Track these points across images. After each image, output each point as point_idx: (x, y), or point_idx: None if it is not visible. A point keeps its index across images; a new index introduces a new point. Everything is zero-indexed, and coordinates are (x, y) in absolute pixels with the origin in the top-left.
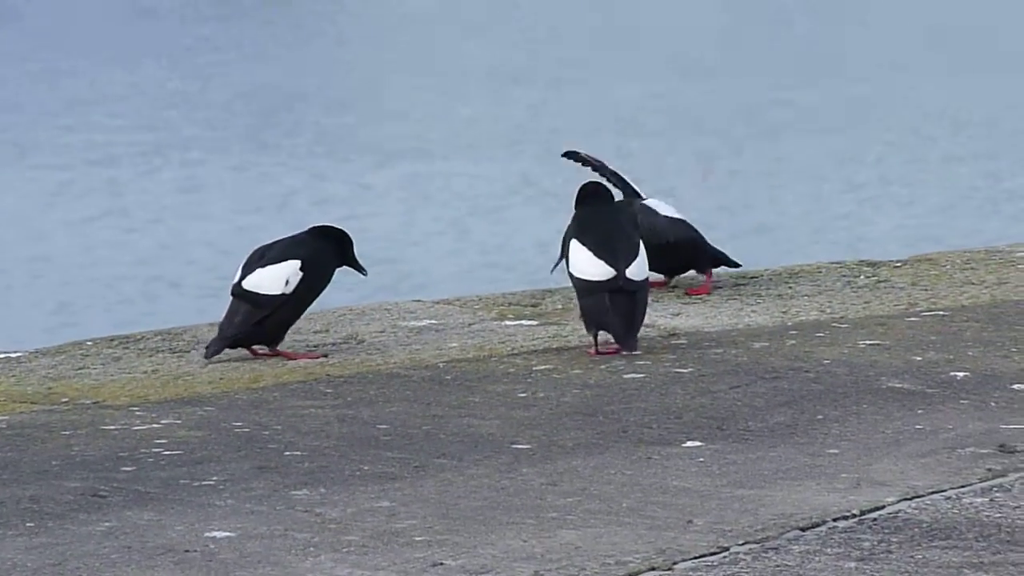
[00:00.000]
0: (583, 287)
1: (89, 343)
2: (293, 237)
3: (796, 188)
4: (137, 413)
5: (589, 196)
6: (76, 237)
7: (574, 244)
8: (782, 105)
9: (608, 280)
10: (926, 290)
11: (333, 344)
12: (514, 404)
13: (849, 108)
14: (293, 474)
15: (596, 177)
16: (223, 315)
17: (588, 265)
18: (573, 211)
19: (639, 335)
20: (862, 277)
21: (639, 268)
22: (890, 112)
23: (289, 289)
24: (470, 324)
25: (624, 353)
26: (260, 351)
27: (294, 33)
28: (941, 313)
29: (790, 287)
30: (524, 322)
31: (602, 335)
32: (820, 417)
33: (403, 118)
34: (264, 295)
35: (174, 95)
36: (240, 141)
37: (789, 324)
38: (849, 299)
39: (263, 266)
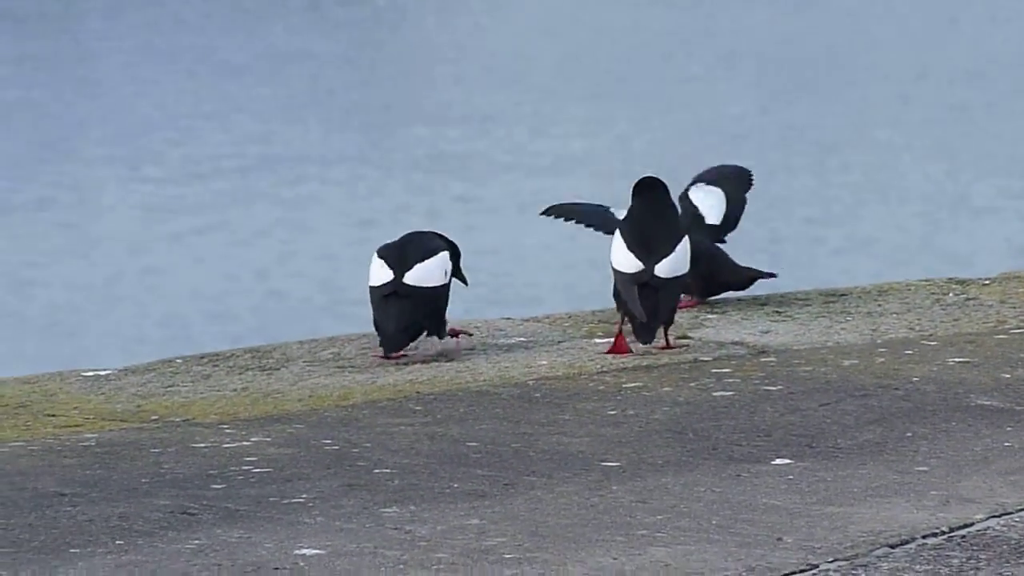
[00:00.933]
0: (616, 277)
1: (179, 360)
2: (418, 233)
3: (886, 205)
4: (227, 431)
5: (644, 189)
6: (182, 251)
7: (616, 235)
8: (871, 120)
9: (636, 274)
10: (1015, 307)
11: (423, 362)
12: (603, 422)
13: (941, 126)
14: (382, 492)
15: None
16: (380, 314)
17: (621, 257)
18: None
19: (663, 329)
20: (951, 295)
21: (672, 265)
22: (982, 128)
23: (447, 279)
24: (559, 341)
25: (641, 344)
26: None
27: (391, 46)
28: None
29: (879, 304)
30: (614, 339)
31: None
32: (909, 434)
33: (504, 133)
34: (429, 288)
35: (276, 107)
36: (344, 155)
37: (878, 342)
38: (938, 316)
39: (419, 261)
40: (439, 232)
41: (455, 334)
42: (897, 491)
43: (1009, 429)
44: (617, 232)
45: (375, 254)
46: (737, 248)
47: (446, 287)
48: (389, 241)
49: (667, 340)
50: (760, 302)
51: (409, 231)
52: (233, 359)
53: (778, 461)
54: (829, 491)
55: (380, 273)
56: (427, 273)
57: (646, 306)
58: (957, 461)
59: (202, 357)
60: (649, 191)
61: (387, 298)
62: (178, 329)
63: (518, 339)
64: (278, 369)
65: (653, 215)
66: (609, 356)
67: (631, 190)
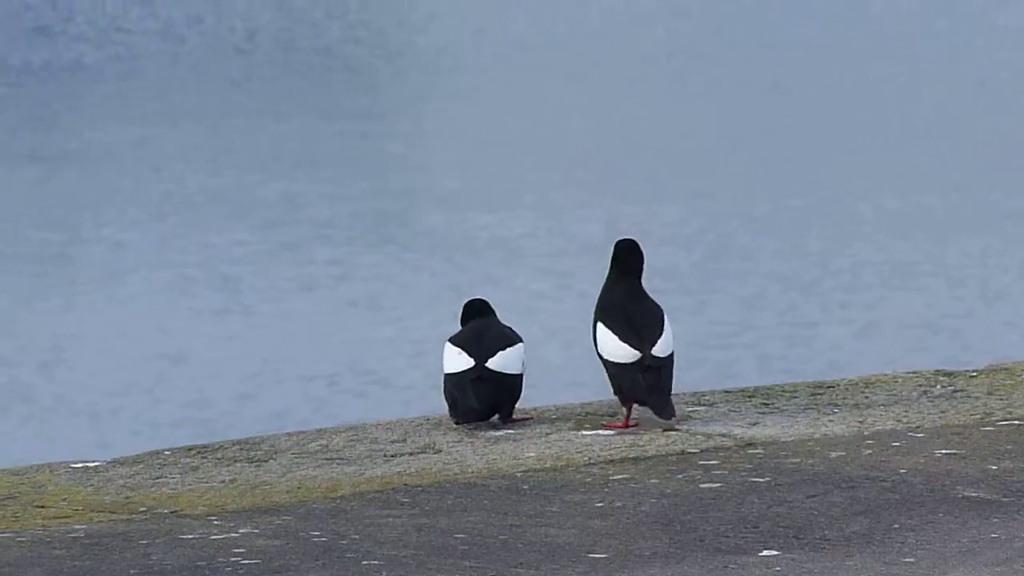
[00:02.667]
0: (614, 369)
1: (167, 452)
2: (492, 320)
3: (872, 295)
4: (215, 522)
5: (620, 256)
6: (197, 335)
7: (600, 327)
8: (856, 206)
9: (636, 361)
10: (1002, 399)
11: (410, 454)
12: (591, 513)
13: (921, 210)
14: None
15: None
16: (462, 394)
17: (616, 348)
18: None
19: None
20: (938, 387)
21: (664, 345)
22: (967, 214)
23: (523, 368)
24: (547, 433)
25: (664, 421)
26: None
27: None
28: (1017, 422)
29: (866, 397)
30: (601, 432)
31: (636, 408)
32: (896, 526)
33: (517, 212)
34: (510, 375)
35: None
36: (349, 237)
37: (866, 433)
38: (925, 408)
39: (501, 349)
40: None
41: (515, 419)
42: None
43: (996, 520)
44: (600, 325)
45: (449, 344)
46: (725, 338)
47: (522, 376)
48: (462, 331)
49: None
50: (748, 394)
51: (474, 319)
52: (221, 451)
53: (765, 553)
54: None
55: (459, 360)
56: (508, 361)
57: (655, 388)
58: (944, 553)
59: (190, 449)
60: (624, 260)
61: (472, 382)
62: (196, 414)
63: (506, 431)
64: (266, 461)
65: (632, 296)
66: (596, 448)
67: (612, 253)
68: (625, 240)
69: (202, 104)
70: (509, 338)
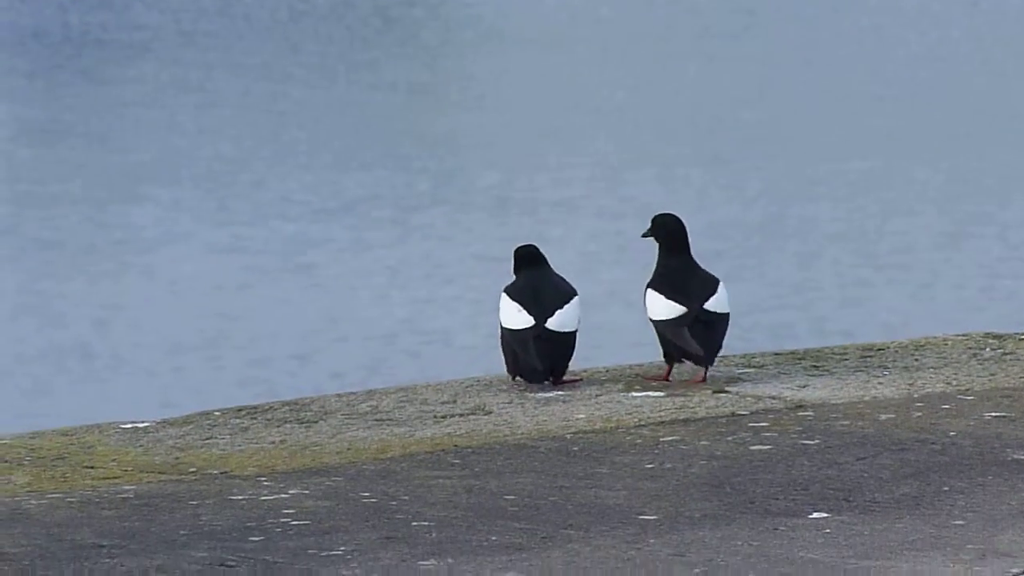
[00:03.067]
0: (661, 327)
1: (217, 413)
2: (546, 271)
3: (924, 259)
4: (265, 483)
5: (663, 234)
6: (253, 295)
7: (650, 292)
8: (907, 175)
9: (683, 316)
10: None
11: (460, 415)
12: (641, 475)
13: (976, 178)
14: (421, 544)
15: None
16: (525, 354)
17: (663, 307)
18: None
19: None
20: (988, 350)
21: (716, 302)
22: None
23: (579, 324)
24: (597, 395)
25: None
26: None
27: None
28: None
29: (916, 359)
30: (651, 393)
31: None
32: (946, 489)
33: (571, 174)
34: (569, 333)
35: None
36: (404, 201)
37: (915, 396)
38: (975, 371)
39: (559, 307)
40: (533, 246)
41: (566, 381)
42: (933, 545)
43: None
44: (650, 290)
45: (506, 296)
46: (774, 301)
47: (577, 332)
48: (516, 282)
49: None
50: (798, 356)
51: (527, 268)
52: (271, 412)
53: (815, 515)
54: (866, 545)
55: (519, 318)
56: (567, 318)
57: (702, 341)
58: (993, 515)
59: (240, 409)
60: (675, 236)
61: (534, 340)
62: (257, 374)
63: (556, 392)
64: (316, 422)
65: (684, 268)
66: (646, 410)
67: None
68: (664, 215)
69: (257, 68)
70: (566, 293)
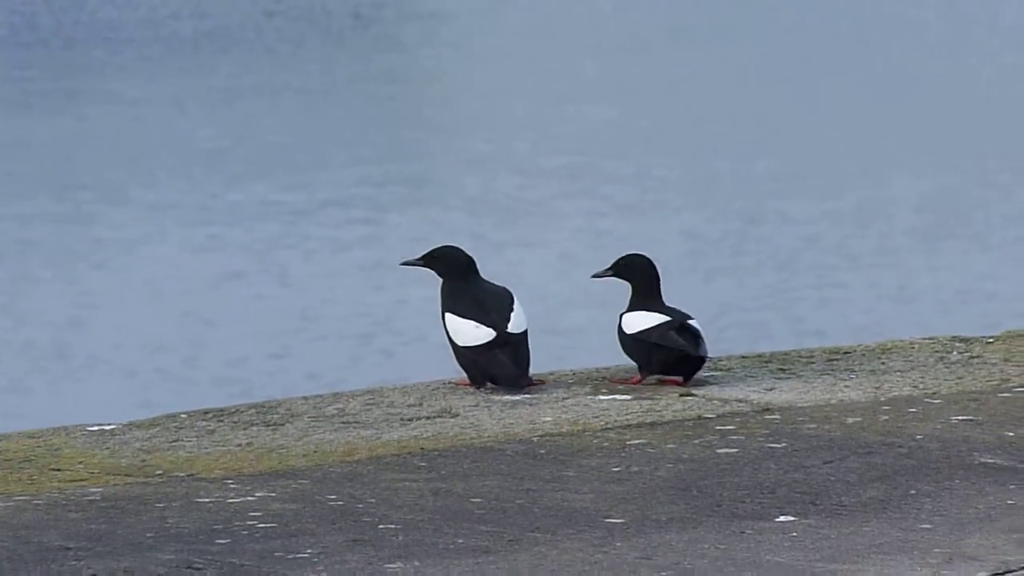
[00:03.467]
0: (645, 335)
1: (183, 415)
2: (477, 279)
3: (886, 262)
4: (231, 486)
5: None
6: (225, 296)
7: (633, 313)
8: (872, 177)
9: (668, 322)
10: (1019, 366)
11: (428, 418)
12: (608, 478)
13: (942, 182)
14: (387, 547)
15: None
16: (497, 361)
17: (647, 319)
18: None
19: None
20: (955, 353)
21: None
22: (984, 181)
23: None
24: (564, 398)
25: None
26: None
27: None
28: None
29: (883, 363)
30: (618, 396)
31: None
32: (913, 492)
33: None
34: (525, 331)
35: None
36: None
37: (882, 399)
38: (942, 375)
39: (509, 311)
40: (454, 247)
41: (532, 384)
42: (901, 548)
43: (1012, 487)
44: (633, 312)
45: (453, 315)
46: (744, 303)
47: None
48: (454, 297)
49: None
50: (764, 359)
51: (460, 275)
52: (238, 414)
53: (782, 518)
54: (833, 548)
55: (477, 332)
56: (520, 320)
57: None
58: (960, 519)
59: (206, 412)
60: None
61: (501, 349)
62: (228, 377)
63: (522, 396)
64: (282, 425)
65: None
66: (613, 413)
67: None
68: (445, 247)
69: (231, 66)
70: (506, 296)
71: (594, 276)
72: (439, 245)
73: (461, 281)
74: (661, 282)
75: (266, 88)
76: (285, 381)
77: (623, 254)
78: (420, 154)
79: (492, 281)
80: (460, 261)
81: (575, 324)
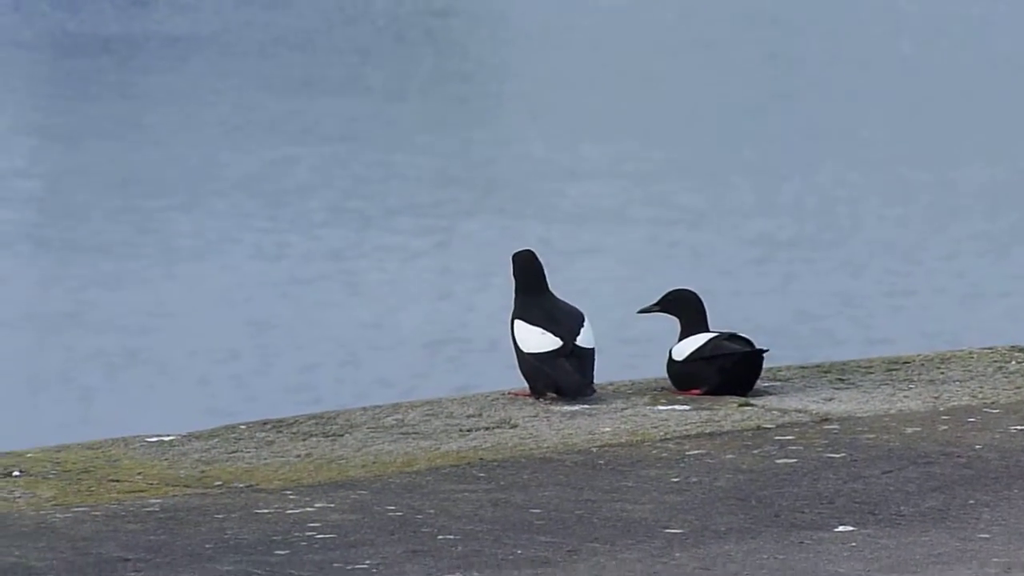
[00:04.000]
0: (706, 348)
1: (243, 427)
2: (551, 295)
3: (947, 270)
4: (290, 497)
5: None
6: (290, 304)
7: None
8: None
9: (728, 337)
10: None
11: (486, 428)
12: (667, 489)
13: (1003, 186)
14: (446, 558)
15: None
16: (562, 369)
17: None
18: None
19: None
20: (1013, 363)
21: (586, 337)
22: None
23: None
24: (623, 409)
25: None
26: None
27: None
28: None
29: (942, 372)
30: (677, 407)
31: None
32: (971, 502)
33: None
34: (594, 348)
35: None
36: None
37: (941, 409)
38: (1000, 384)
39: (580, 326)
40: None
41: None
42: (959, 558)
43: None
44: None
45: (523, 322)
46: (800, 315)
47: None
48: (526, 308)
49: None
50: (823, 370)
51: (534, 288)
52: (296, 425)
53: (841, 528)
54: (892, 558)
55: (544, 340)
56: (589, 337)
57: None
58: (1019, 528)
59: (265, 423)
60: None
61: (567, 358)
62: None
63: (581, 406)
64: (341, 435)
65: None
66: (672, 423)
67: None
68: (523, 252)
69: (293, 75)
70: (579, 314)
71: (640, 311)
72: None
73: (535, 293)
74: (707, 315)
75: (323, 94)
76: (352, 391)
77: (671, 289)
78: (484, 160)
79: (565, 300)
80: (533, 270)
81: (638, 334)
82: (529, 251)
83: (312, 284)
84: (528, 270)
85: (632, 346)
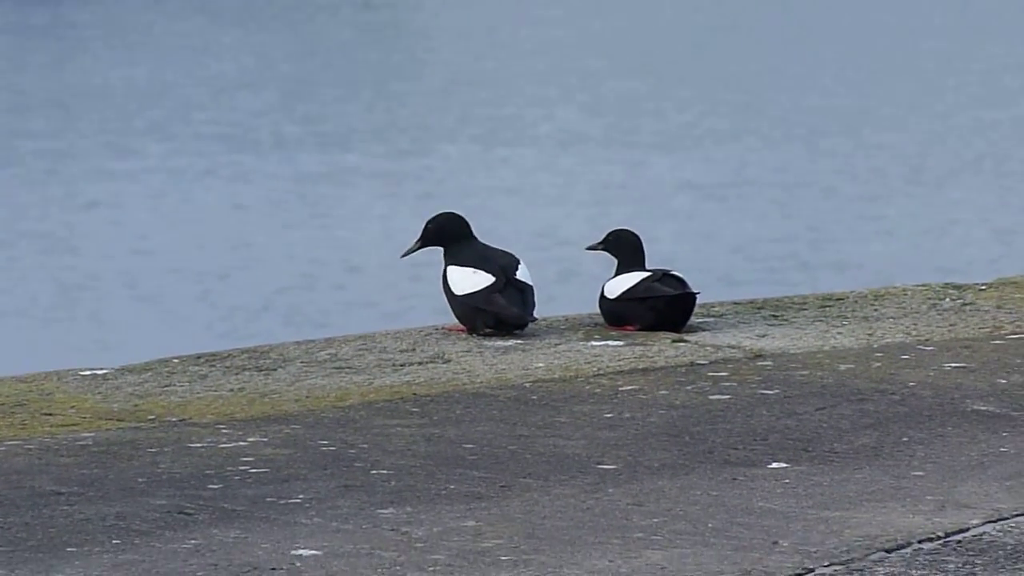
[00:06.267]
0: (641, 287)
1: (176, 360)
2: (477, 242)
3: (880, 209)
4: (223, 431)
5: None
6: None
7: (617, 280)
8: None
9: (650, 275)
10: (1011, 313)
11: (420, 363)
12: (600, 424)
13: (932, 126)
14: (379, 493)
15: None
16: (497, 303)
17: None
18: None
19: None
20: (947, 300)
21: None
22: (976, 130)
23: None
24: (556, 344)
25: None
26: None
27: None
28: None
29: (875, 309)
30: (610, 342)
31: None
32: (905, 439)
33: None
34: (531, 285)
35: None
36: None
37: (874, 346)
38: (935, 321)
39: (515, 266)
40: (451, 215)
41: None
42: (893, 496)
43: (1005, 435)
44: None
45: (455, 267)
46: (740, 253)
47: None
48: (456, 255)
49: None
50: (757, 305)
51: (460, 238)
52: (230, 359)
53: (774, 465)
54: (825, 495)
55: (477, 278)
56: (526, 274)
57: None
58: (953, 466)
59: (199, 357)
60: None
61: (504, 289)
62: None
63: (514, 341)
64: (275, 370)
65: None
66: (605, 359)
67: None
68: (445, 215)
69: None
70: (512, 256)
71: (588, 248)
72: (435, 215)
73: (465, 242)
74: (646, 256)
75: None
76: (286, 323)
77: (613, 228)
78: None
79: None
80: (457, 225)
81: (563, 267)
82: (450, 212)
83: (248, 214)
84: (454, 224)
85: (568, 279)
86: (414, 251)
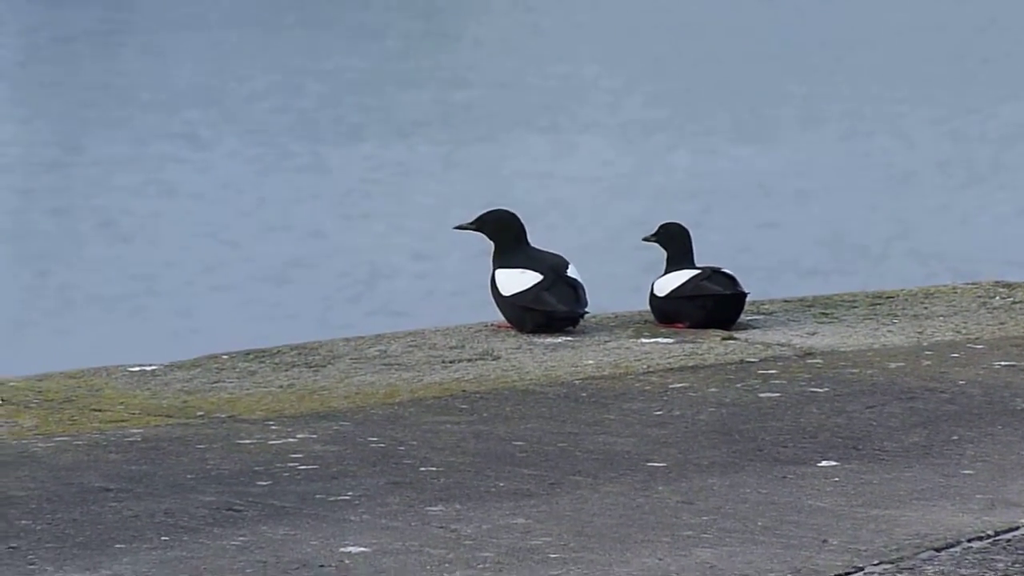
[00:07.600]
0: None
1: (225, 357)
2: (529, 245)
3: (932, 207)
4: (272, 427)
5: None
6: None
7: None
8: (909, 121)
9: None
10: None
11: (469, 360)
12: (649, 422)
13: (990, 126)
14: (428, 490)
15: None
16: (546, 301)
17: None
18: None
19: None
20: (997, 298)
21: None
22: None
23: None
24: (606, 341)
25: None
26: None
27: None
28: None
29: (925, 308)
30: (660, 340)
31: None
32: (955, 438)
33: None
34: (581, 282)
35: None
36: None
37: (924, 344)
38: (984, 320)
39: (567, 265)
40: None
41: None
42: (942, 494)
43: None
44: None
45: (503, 269)
46: (785, 249)
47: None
48: (505, 258)
49: None
50: (807, 304)
51: (514, 240)
52: (279, 356)
53: (824, 463)
54: (874, 494)
55: (524, 278)
56: (575, 274)
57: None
58: (1002, 465)
59: (248, 353)
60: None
61: (554, 286)
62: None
63: (564, 339)
64: (324, 366)
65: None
66: (655, 356)
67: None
68: (500, 210)
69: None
70: (562, 258)
71: (644, 240)
72: (491, 209)
73: (514, 244)
74: (694, 250)
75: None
76: (336, 321)
77: (663, 222)
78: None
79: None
80: (511, 225)
81: (612, 266)
82: (506, 210)
83: (300, 210)
84: (511, 220)
85: (618, 279)
86: (466, 228)
